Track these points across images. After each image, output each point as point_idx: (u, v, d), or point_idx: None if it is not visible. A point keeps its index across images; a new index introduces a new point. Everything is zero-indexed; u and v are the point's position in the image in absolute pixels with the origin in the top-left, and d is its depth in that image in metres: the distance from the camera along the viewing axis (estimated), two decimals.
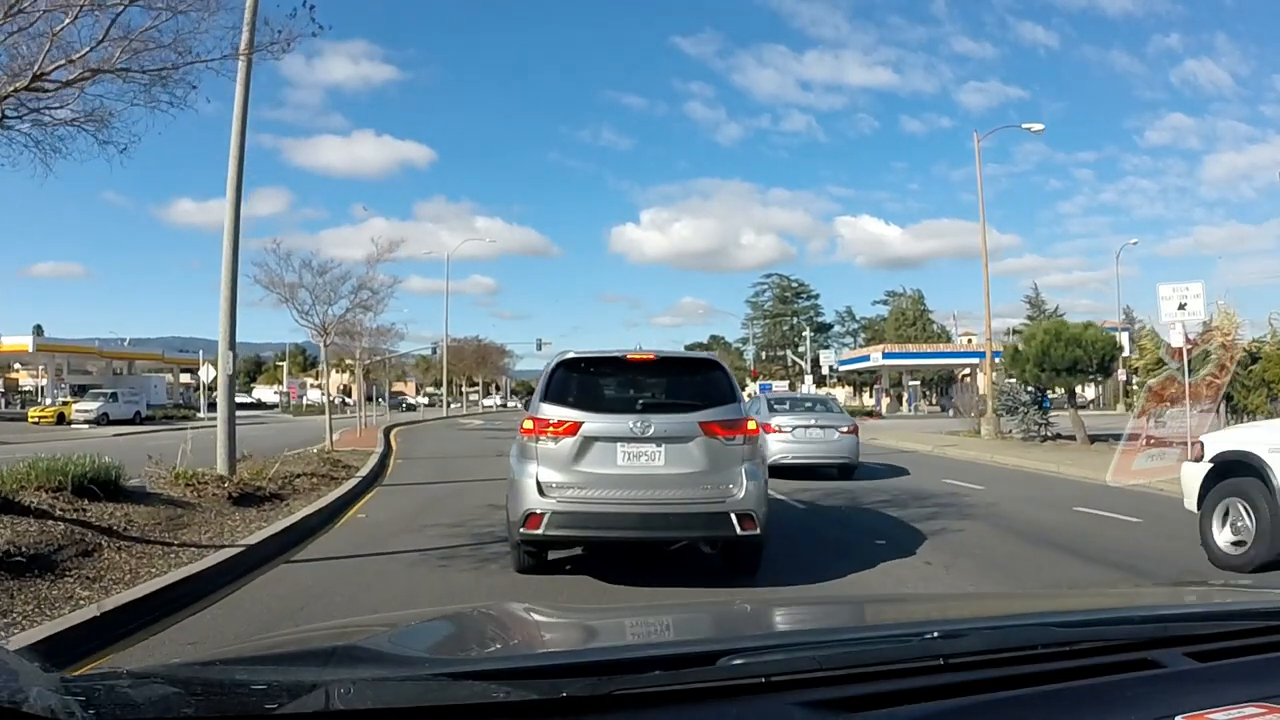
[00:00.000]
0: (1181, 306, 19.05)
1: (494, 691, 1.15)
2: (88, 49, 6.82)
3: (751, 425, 6.54)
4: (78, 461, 8.16)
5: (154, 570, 6.21)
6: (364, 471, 14.15)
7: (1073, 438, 22.84)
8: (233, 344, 11.42)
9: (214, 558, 6.69)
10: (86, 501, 7.69)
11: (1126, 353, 27.67)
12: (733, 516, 6.18)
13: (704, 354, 8.23)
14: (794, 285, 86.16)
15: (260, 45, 8.60)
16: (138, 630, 5.15)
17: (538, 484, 6.25)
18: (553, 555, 6.98)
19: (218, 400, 11.76)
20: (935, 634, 1.46)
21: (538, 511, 6.19)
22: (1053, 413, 25.15)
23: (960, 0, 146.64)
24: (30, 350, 49.86)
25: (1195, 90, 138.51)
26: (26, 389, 61.98)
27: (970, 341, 64.12)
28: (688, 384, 6.94)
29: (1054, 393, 25.91)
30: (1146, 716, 1.21)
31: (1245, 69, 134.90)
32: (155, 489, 9.07)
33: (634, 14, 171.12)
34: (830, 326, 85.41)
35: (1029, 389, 24.34)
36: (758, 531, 6.26)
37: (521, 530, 6.28)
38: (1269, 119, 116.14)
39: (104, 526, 7.06)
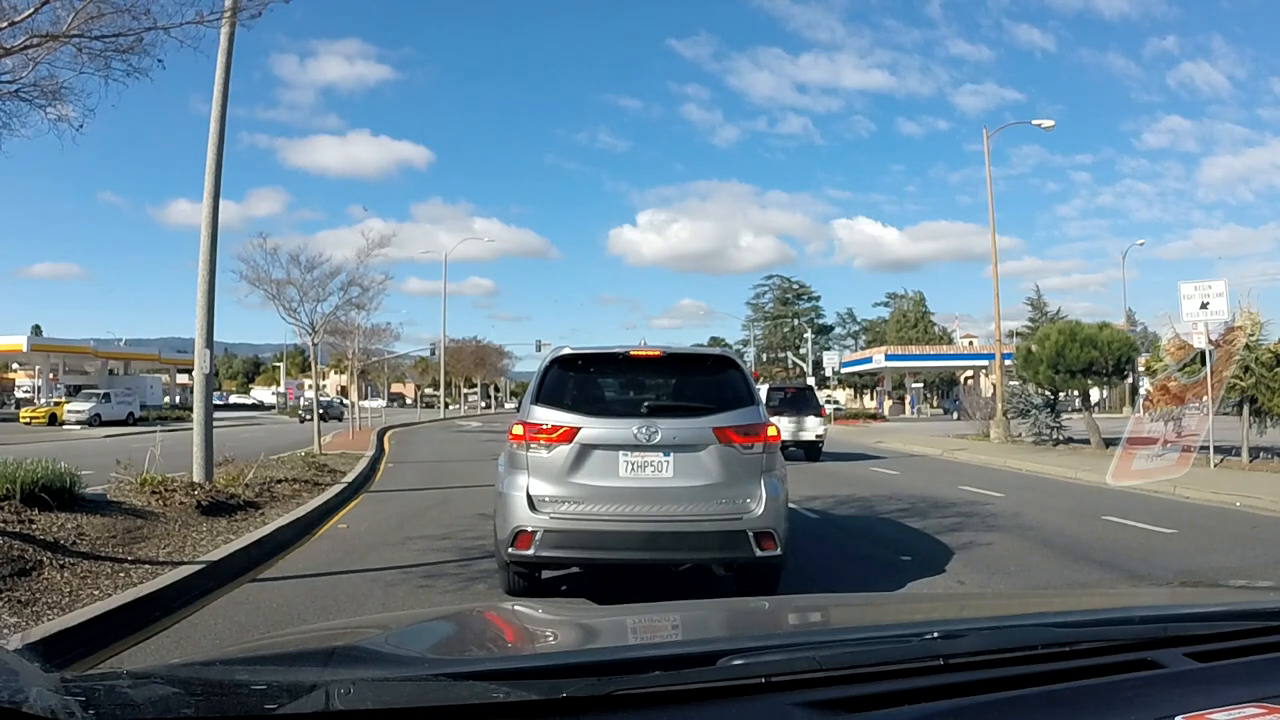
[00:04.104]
0: (1204, 306, 18.39)
1: (494, 691, 1.14)
2: (31, 10, 6.14)
3: (772, 431, 5.76)
4: (29, 467, 7.47)
5: (97, 592, 5.51)
6: (350, 477, 13.41)
7: (1085, 441, 22.11)
8: (209, 341, 10.76)
9: (168, 577, 5.99)
10: (36, 511, 6.98)
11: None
12: (750, 535, 5.43)
13: (717, 350, 7.48)
14: (795, 286, 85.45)
15: (243, 5, 7.90)
16: (73, 663, 4.45)
17: (528, 498, 5.52)
18: (546, 575, 6.28)
19: (194, 400, 11.09)
20: (935, 634, 1.44)
21: (528, 529, 5.46)
22: (1062, 415, 24.43)
23: (956, 3, 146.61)
24: (25, 350, 49.32)
25: (1192, 93, 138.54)
26: (24, 389, 61.30)
27: (971, 344, 63.48)
28: (699, 384, 6.18)
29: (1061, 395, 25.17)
30: (1146, 716, 1.20)
31: (1242, 72, 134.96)
32: (117, 497, 8.36)
33: (629, 16, 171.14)
34: (831, 328, 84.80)
35: (1043, 391, 23.58)
36: (778, 552, 5.51)
37: (510, 550, 5.55)
38: (1266, 122, 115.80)
39: (49, 541, 6.35)
